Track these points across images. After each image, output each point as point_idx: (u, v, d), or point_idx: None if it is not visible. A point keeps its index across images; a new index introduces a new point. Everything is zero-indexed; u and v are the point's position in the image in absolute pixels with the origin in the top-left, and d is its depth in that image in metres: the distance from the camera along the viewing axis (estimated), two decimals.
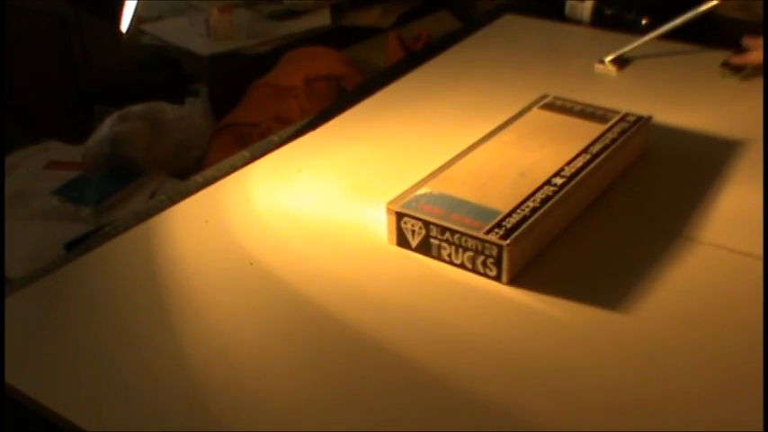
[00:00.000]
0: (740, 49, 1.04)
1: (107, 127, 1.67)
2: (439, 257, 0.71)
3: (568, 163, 0.78)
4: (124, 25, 1.91)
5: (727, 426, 0.55)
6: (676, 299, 0.67)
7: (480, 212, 0.71)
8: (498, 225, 0.69)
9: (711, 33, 1.13)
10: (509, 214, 0.70)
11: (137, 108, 1.70)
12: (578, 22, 1.27)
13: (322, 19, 2.01)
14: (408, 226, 0.72)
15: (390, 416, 0.57)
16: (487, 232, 0.68)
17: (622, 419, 0.56)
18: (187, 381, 0.60)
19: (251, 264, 0.72)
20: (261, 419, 0.56)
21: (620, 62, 1.11)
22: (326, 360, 0.62)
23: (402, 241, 0.73)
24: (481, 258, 0.69)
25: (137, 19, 1.95)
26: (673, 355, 0.61)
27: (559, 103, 0.91)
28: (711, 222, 0.77)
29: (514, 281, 0.69)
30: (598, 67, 1.11)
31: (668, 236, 0.75)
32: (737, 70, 1.04)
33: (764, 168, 0.84)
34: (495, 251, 0.68)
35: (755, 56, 1.02)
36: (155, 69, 1.95)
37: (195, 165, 1.66)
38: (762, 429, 0.54)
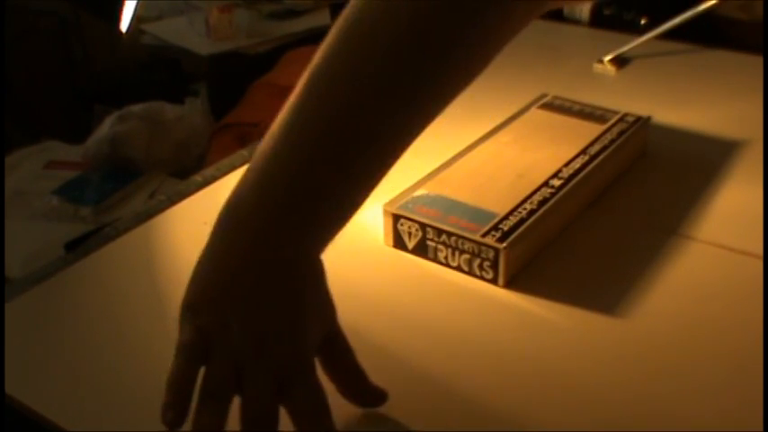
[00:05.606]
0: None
1: (107, 127, 1.67)
2: (435, 260, 0.71)
3: (566, 164, 0.78)
4: (124, 25, 1.91)
5: (726, 426, 0.55)
6: (675, 299, 0.67)
7: (477, 214, 0.70)
8: (495, 227, 0.69)
9: (710, 33, 1.12)
10: (506, 216, 0.70)
11: (137, 108, 1.71)
12: (577, 22, 1.27)
13: (322, 19, 2.01)
14: (405, 228, 0.72)
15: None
16: (484, 235, 0.68)
17: (620, 421, 0.56)
18: None
19: None
20: None
21: (620, 62, 1.10)
22: None
23: (398, 243, 0.73)
24: (478, 261, 0.68)
25: (137, 19, 1.95)
26: (671, 356, 0.61)
27: (558, 102, 0.90)
28: (710, 222, 0.76)
29: (511, 283, 0.68)
30: (597, 66, 1.10)
31: (667, 236, 0.74)
32: None
33: (764, 168, 0.83)
34: (491, 254, 0.67)
35: None
36: (154, 69, 1.96)
37: (195, 165, 1.66)
38: (762, 429, 0.54)
